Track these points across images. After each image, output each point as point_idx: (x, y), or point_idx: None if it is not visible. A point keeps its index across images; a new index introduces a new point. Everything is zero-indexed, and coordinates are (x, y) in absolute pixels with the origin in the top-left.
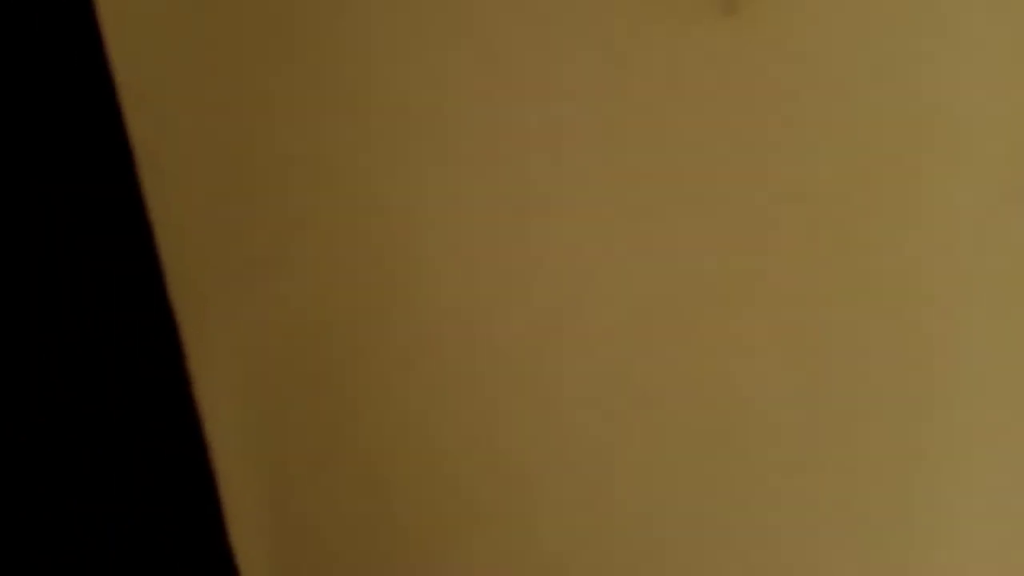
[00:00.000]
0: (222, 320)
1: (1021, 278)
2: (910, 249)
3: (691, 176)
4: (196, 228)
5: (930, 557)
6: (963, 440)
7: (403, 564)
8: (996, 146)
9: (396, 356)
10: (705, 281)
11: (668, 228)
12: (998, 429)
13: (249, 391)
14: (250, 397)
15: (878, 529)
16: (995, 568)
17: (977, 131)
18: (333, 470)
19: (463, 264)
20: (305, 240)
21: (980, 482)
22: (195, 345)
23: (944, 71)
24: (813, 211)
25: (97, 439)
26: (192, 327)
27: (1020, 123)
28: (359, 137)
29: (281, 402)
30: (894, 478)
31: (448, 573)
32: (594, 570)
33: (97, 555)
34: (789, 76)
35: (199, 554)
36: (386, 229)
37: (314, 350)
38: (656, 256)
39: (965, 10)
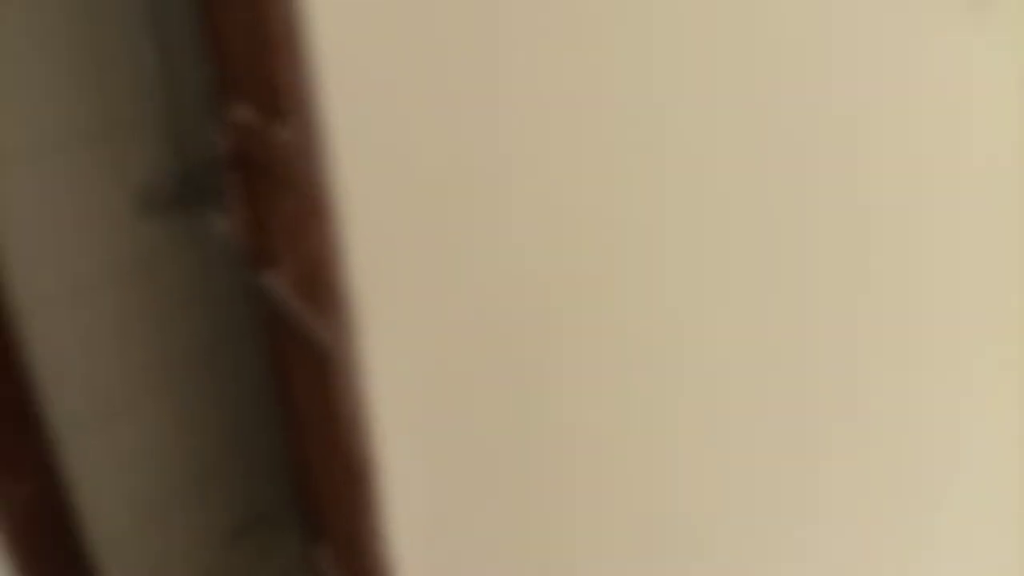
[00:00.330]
0: (410, 310)
1: None
2: None
3: (938, 174)
4: (394, 217)
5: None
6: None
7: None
8: None
9: (579, 361)
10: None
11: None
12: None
13: (429, 382)
14: (429, 388)
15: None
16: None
17: None
18: (503, 471)
19: (661, 273)
20: (499, 237)
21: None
22: (382, 333)
23: None
24: None
25: None
26: (380, 312)
27: None
28: (559, 137)
29: (459, 395)
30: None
31: None
32: None
33: None
34: None
35: None
36: (584, 232)
37: (498, 348)
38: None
39: None
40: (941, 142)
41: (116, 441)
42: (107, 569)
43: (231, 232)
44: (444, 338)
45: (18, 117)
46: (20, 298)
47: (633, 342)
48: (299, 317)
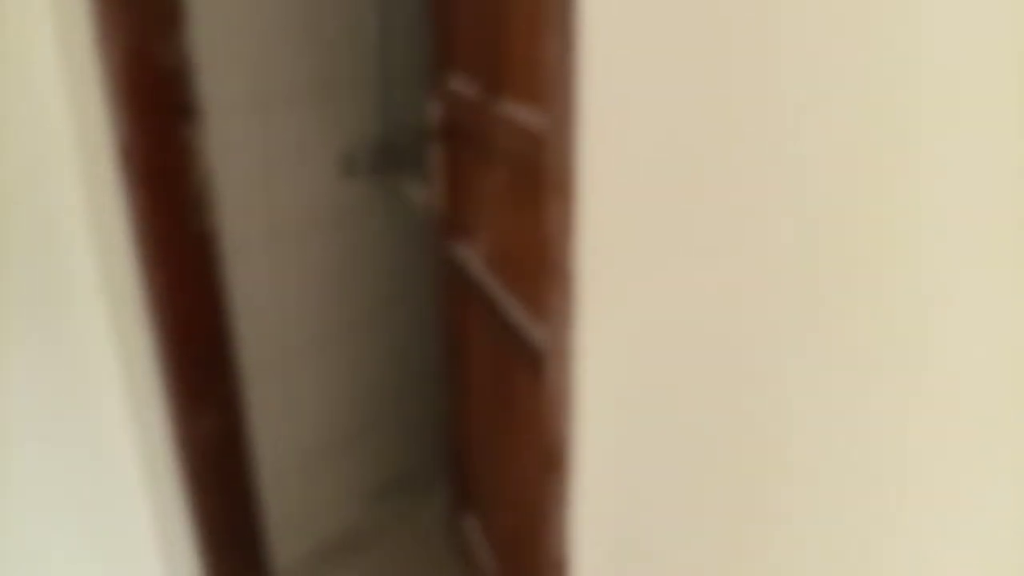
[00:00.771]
0: (631, 302)
1: None
2: None
3: None
4: (628, 206)
5: None
6: None
7: None
8: None
9: (793, 382)
10: None
11: None
12: None
13: (636, 376)
14: (636, 381)
15: None
16: None
17: None
18: (696, 481)
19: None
20: (732, 245)
21: None
22: (598, 320)
23: None
24: None
25: None
26: (600, 299)
27: None
28: (822, 137)
29: (664, 394)
30: None
31: None
32: None
33: None
34: None
35: None
36: (822, 247)
37: (713, 355)
38: None
39: None
40: None
41: (289, 386)
42: (264, 511)
43: (427, 201)
44: (660, 334)
45: (241, 69)
46: (225, 241)
47: (848, 368)
48: (489, 291)
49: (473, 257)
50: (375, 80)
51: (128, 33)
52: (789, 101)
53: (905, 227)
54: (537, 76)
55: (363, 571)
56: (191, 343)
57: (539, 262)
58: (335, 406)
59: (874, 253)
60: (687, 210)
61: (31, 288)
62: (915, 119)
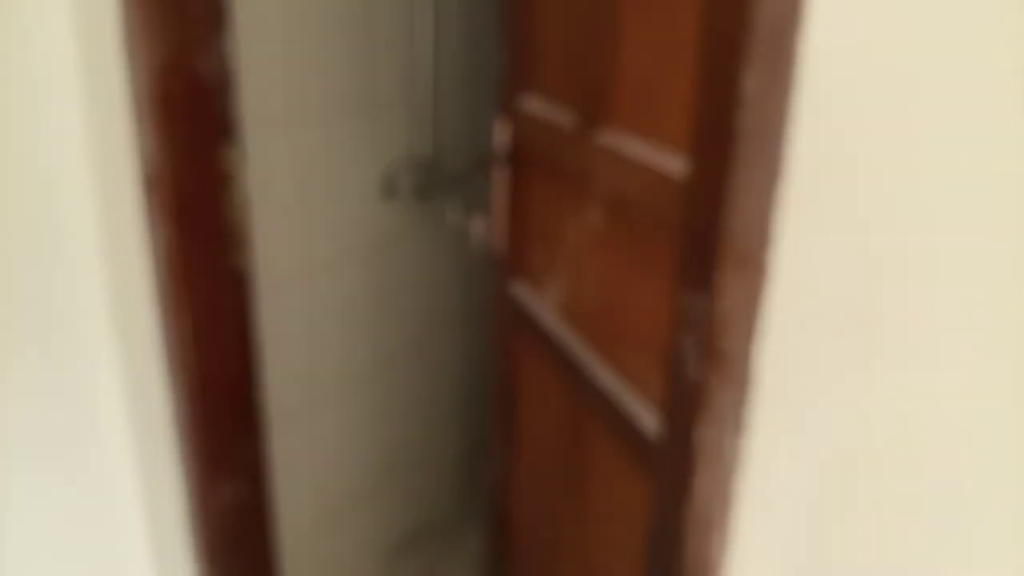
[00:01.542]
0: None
1: None
2: None
3: None
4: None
5: None
6: None
7: None
8: None
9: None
10: None
11: None
12: None
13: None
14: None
15: None
16: None
17: None
18: None
19: None
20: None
21: None
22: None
23: None
24: None
25: None
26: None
27: None
28: None
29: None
30: None
31: None
32: None
33: None
34: None
35: None
36: None
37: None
38: None
39: None
40: None
41: (312, 434)
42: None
43: (482, 232)
44: (860, 459)
45: (276, 79)
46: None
47: None
48: (563, 346)
49: (537, 302)
50: (426, 96)
51: (163, 38)
52: None
53: None
54: (667, 106)
55: None
56: (215, 399)
57: (652, 331)
58: (360, 454)
59: None
60: (923, 307)
61: (34, 331)
62: None
